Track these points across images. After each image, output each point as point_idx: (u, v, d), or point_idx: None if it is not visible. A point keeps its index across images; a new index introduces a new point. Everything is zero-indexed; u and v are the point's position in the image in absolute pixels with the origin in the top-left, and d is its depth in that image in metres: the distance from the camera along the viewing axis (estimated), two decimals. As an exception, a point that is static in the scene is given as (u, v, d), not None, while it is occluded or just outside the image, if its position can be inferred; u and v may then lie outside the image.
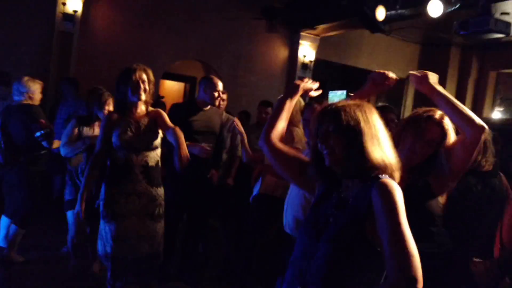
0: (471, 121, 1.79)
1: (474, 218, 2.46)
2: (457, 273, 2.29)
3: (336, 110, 1.49)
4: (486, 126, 1.79)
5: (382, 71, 2.05)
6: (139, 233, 2.96)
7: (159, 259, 3.07)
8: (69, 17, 6.40)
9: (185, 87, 9.62)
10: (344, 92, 9.59)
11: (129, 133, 2.94)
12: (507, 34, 5.55)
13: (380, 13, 5.81)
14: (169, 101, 7.12)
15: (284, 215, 2.85)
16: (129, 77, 2.94)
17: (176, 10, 7.38)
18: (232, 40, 7.95)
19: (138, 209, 2.95)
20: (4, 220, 3.91)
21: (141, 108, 3.05)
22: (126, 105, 3.01)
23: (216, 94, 3.85)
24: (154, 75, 7.29)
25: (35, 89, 3.92)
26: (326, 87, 10.73)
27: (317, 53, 8.58)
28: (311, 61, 8.51)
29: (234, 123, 3.48)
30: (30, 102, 3.89)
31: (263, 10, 7.32)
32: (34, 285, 3.66)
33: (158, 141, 3.05)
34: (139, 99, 2.99)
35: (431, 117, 1.96)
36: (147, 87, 3.00)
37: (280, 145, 1.72)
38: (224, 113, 4.29)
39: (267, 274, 3.67)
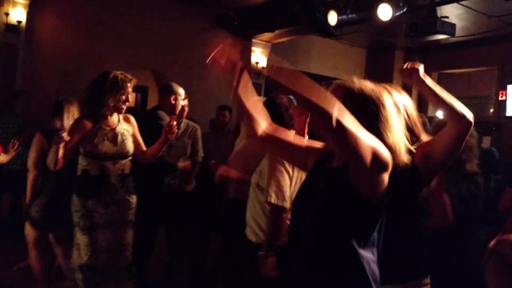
0: (460, 115, 1.75)
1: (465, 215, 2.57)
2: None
3: (352, 91, 1.56)
4: (472, 121, 1.75)
5: None
6: (121, 242, 2.93)
7: (135, 267, 3.05)
8: (13, 28, 6.16)
9: (136, 97, 9.48)
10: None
11: (107, 142, 2.88)
12: (453, 35, 5.85)
13: (332, 18, 5.99)
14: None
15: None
16: (116, 88, 2.86)
17: (126, 19, 7.26)
18: (184, 48, 7.90)
19: (118, 218, 2.91)
20: None
21: (114, 116, 2.99)
22: (100, 113, 2.92)
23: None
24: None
25: None
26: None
27: (268, 59, 8.70)
28: (263, 68, 8.60)
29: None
30: None
31: (215, 18, 7.35)
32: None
33: (132, 149, 3.03)
34: (120, 112, 2.95)
35: None
36: (128, 98, 2.95)
37: (271, 134, 1.69)
38: (184, 120, 4.27)
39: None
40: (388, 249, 1.59)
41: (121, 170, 2.95)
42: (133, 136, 3.09)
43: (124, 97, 2.92)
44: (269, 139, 1.70)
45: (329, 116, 1.27)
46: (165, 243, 4.23)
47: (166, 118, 3.80)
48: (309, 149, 1.75)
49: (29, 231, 3.55)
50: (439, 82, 10.15)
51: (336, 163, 1.58)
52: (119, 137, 2.95)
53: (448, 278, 2.38)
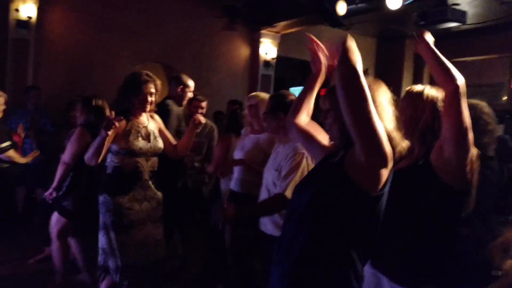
0: (446, 72, 1.70)
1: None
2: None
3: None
4: (460, 84, 1.70)
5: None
6: (155, 238, 2.97)
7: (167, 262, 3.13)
8: (23, 24, 6.21)
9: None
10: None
11: (141, 140, 2.94)
12: (464, 22, 5.77)
13: (341, 7, 5.95)
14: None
15: None
16: (138, 88, 2.93)
17: (134, 13, 7.28)
18: (193, 41, 7.92)
19: (151, 214, 2.95)
20: None
21: (143, 115, 3.07)
22: (130, 113, 2.98)
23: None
24: (115, 80, 7.27)
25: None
26: (286, 84, 10.85)
27: (278, 50, 8.67)
28: (273, 58, 8.59)
29: None
30: None
31: (224, 9, 7.33)
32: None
33: (163, 146, 3.10)
34: (144, 110, 3.01)
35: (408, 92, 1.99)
36: (153, 99, 3.01)
37: (304, 127, 1.88)
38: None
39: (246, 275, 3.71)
40: (406, 249, 1.61)
41: (152, 166, 3.01)
42: (161, 132, 3.16)
43: (147, 97, 2.97)
44: (300, 131, 1.88)
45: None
46: (179, 236, 4.28)
47: (174, 107, 3.87)
48: (326, 148, 1.81)
49: (57, 223, 3.61)
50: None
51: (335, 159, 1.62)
52: (152, 134, 3.03)
53: (459, 265, 2.37)
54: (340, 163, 1.53)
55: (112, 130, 2.69)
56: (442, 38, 9.10)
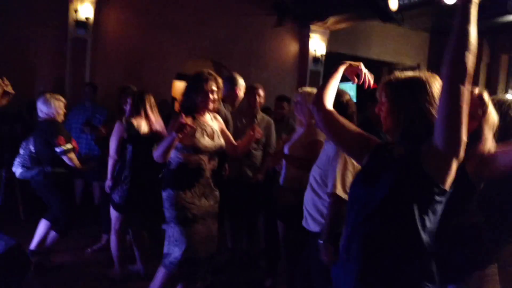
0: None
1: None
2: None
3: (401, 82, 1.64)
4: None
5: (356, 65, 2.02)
6: (212, 233, 3.06)
7: None
8: (82, 24, 6.49)
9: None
10: (355, 85, 9.54)
11: (206, 138, 3.00)
12: (523, 15, 5.52)
13: (393, 2, 5.81)
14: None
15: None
16: (200, 86, 2.99)
17: (186, 11, 7.43)
18: (243, 37, 7.99)
19: (209, 210, 3.03)
20: (45, 224, 3.97)
21: (207, 114, 3.13)
22: (194, 110, 3.03)
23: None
24: (166, 76, 7.44)
25: (58, 106, 3.95)
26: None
27: (327, 46, 8.60)
28: (322, 55, 8.52)
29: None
30: (52, 119, 3.92)
31: (274, 5, 7.35)
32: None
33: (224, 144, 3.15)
34: (207, 108, 3.06)
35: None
36: (215, 97, 3.06)
37: (332, 111, 1.85)
38: (260, 113, 4.38)
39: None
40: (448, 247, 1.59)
41: (213, 164, 3.08)
42: (222, 131, 3.20)
43: (208, 95, 3.01)
44: (330, 116, 1.84)
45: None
46: (230, 230, 4.34)
47: (221, 107, 3.91)
48: (364, 139, 1.80)
49: (113, 214, 3.75)
50: (509, 64, 9.60)
51: (398, 153, 1.61)
52: (215, 133, 3.09)
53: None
54: (413, 156, 1.53)
55: (182, 133, 2.75)
56: (501, 32, 8.76)
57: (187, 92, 3.06)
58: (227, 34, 7.82)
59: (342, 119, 1.83)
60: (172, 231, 2.96)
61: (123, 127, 3.67)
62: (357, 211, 1.65)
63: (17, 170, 3.96)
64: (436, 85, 1.59)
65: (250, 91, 4.25)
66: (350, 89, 9.76)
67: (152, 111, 3.78)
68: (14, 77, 5.77)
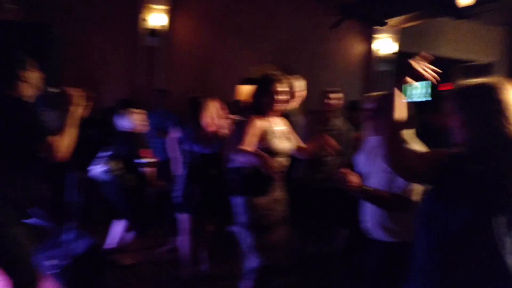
0: None
1: None
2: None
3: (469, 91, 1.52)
4: None
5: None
6: (287, 239, 3.00)
7: None
8: (152, 32, 6.77)
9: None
10: (429, 82, 9.19)
11: (279, 140, 2.95)
12: None
13: (462, -2, 5.53)
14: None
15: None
16: (268, 88, 2.94)
17: (252, 16, 7.53)
18: (307, 40, 7.96)
19: (282, 215, 2.98)
20: (120, 223, 4.18)
21: (276, 116, 3.08)
22: (263, 113, 2.97)
23: None
24: (234, 81, 7.53)
25: (138, 119, 4.18)
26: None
27: (398, 45, 8.36)
28: (390, 54, 8.30)
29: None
30: (136, 130, 4.16)
31: (339, 7, 7.26)
32: None
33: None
34: (275, 110, 2.99)
35: None
36: (283, 98, 2.99)
37: (407, 163, 1.68)
38: (341, 118, 4.45)
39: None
40: None
41: (284, 167, 3.00)
42: (290, 133, 3.18)
43: (275, 97, 2.94)
44: (411, 172, 1.72)
45: None
46: (296, 231, 4.33)
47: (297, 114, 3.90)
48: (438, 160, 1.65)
49: (180, 216, 3.87)
50: None
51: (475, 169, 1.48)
52: (285, 135, 3.03)
53: None
54: (493, 174, 1.41)
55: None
56: None
57: (256, 94, 3.01)
58: (293, 37, 7.83)
59: (423, 162, 1.65)
60: (246, 238, 2.87)
61: (183, 131, 3.77)
62: (434, 229, 1.53)
63: (95, 171, 4.19)
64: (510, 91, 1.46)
65: (322, 95, 4.23)
66: (425, 87, 9.41)
67: (211, 115, 3.80)
68: (90, 85, 6.14)
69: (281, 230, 2.93)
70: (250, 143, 2.79)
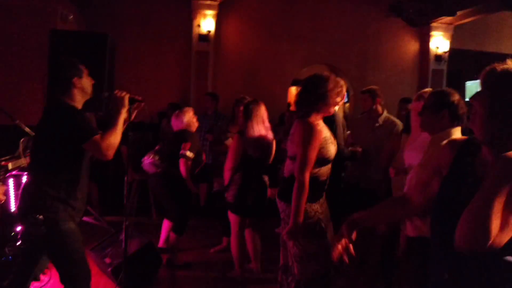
0: None
1: None
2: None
3: None
4: None
5: None
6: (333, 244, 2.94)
7: None
8: (204, 37, 6.94)
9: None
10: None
11: (331, 145, 2.82)
12: None
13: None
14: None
15: None
16: (318, 89, 2.73)
17: (301, 18, 7.55)
18: (358, 40, 7.87)
19: (328, 219, 2.90)
20: (167, 224, 4.32)
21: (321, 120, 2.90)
22: (310, 114, 2.77)
23: None
24: (283, 84, 7.56)
25: (190, 118, 4.32)
26: (462, 78, 9.99)
27: (451, 43, 8.08)
28: (445, 52, 8.03)
29: None
30: (186, 128, 4.29)
31: (391, 6, 7.12)
32: None
33: None
34: (325, 111, 2.81)
35: None
36: (336, 100, 2.80)
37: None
38: (385, 115, 4.44)
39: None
40: None
41: (330, 172, 2.88)
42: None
43: (326, 98, 2.75)
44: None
45: None
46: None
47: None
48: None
49: (230, 216, 3.93)
50: None
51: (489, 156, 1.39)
52: (332, 139, 2.87)
53: None
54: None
55: None
56: None
57: (304, 96, 2.79)
58: (342, 38, 7.77)
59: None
60: (296, 246, 2.77)
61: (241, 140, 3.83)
62: (452, 217, 1.40)
63: (148, 160, 4.34)
64: None
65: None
66: (476, 89, 9.04)
67: (257, 119, 3.80)
68: (147, 89, 6.41)
69: (331, 235, 2.89)
70: (311, 161, 2.66)
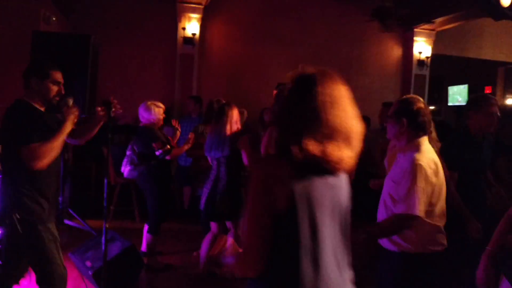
0: None
1: None
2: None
3: None
4: None
5: None
6: None
7: None
8: (189, 40, 6.92)
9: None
10: (466, 86, 8.96)
11: None
12: None
13: (505, -2, 5.35)
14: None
15: None
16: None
17: (286, 21, 7.58)
18: (344, 44, 7.93)
19: None
20: (147, 227, 4.30)
21: None
22: None
23: None
24: (267, 87, 7.55)
25: (157, 113, 4.26)
26: (444, 83, 10.14)
27: (433, 48, 8.20)
28: (427, 57, 8.14)
29: None
30: (151, 124, 4.22)
31: (374, 11, 7.18)
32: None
33: None
34: None
35: None
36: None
37: None
38: None
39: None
40: None
41: None
42: None
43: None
44: None
45: None
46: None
47: None
48: None
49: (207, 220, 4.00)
50: None
51: None
52: None
53: None
54: None
55: None
56: None
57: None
58: (328, 42, 7.82)
59: None
60: None
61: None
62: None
63: (126, 169, 4.34)
64: None
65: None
66: (461, 93, 9.17)
67: (230, 120, 3.85)
68: (131, 92, 6.37)
69: None
70: None
